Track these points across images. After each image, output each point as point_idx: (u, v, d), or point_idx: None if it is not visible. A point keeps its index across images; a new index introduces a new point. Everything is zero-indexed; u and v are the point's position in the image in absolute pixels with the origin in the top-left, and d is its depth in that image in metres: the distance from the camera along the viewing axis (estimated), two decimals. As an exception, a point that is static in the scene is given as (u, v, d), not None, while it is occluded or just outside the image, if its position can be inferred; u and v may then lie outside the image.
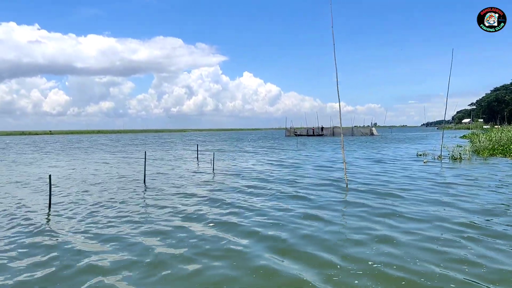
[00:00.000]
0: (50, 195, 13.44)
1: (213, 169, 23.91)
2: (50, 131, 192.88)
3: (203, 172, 23.07)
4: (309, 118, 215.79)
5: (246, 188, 16.83)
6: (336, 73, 17.39)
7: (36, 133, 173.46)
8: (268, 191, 16.09)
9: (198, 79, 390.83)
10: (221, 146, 58.17)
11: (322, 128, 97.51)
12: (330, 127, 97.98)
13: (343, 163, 18.19)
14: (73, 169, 25.98)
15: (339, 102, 18.06)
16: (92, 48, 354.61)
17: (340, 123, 18.31)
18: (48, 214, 12.50)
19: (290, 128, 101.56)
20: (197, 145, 35.70)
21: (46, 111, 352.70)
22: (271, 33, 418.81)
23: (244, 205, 13.33)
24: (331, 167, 24.77)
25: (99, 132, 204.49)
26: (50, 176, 13.63)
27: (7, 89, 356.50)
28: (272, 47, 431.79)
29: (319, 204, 13.20)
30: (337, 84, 17.62)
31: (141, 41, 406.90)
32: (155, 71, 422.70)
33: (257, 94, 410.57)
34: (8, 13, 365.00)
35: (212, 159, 25.74)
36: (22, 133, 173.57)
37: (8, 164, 30.20)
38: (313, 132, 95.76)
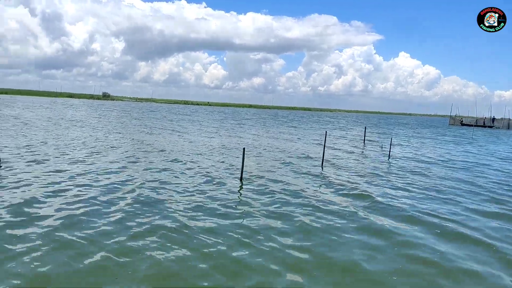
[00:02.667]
0: (242, 168, 13.04)
1: (389, 155, 21.58)
2: (208, 103, 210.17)
3: (374, 156, 20.94)
4: (470, 106, 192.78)
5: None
6: None
7: (197, 103, 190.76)
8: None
9: (349, 58, 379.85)
10: (388, 129, 54.58)
11: (493, 119, 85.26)
12: (503, 119, 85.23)
13: None
14: (256, 141, 26.41)
15: None
16: (250, 25, 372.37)
17: None
18: (241, 187, 12.10)
19: (455, 116, 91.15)
20: (365, 127, 33.48)
21: (205, 83, 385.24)
22: (432, 11, 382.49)
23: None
24: None
25: (250, 106, 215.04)
26: (244, 149, 13.16)
27: (175, 61, 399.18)
28: (433, 26, 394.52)
29: None
30: None
31: (296, 18, 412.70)
32: (306, 49, 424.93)
33: (412, 76, 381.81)
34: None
35: (389, 145, 23.28)
36: (185, 103, 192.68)
37: (198, 133, 32.38)
38: (484, 123, 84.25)
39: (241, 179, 12.90)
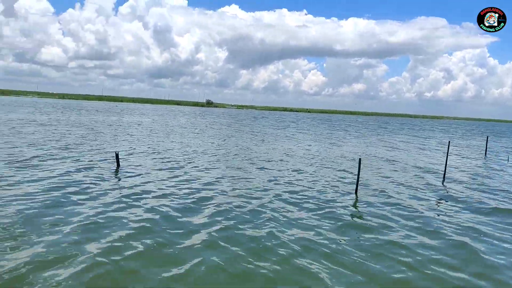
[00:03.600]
0: (358, 179, 12.20)
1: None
2: (307, 109, 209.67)
3: (503, 170, 18.39)
4: None
5: None
6: None
7: (297, 110, 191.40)
8: None
9: (459, 62, 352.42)
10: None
11: None
12: None
13: None
14: (371, 150, 25.28)
15: None
16: (351, 30, 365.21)
17: None
18: (356, 201, 11.32)
19: None
20: (487, 136, 30.03)
21: (304, 90, 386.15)
22: None
23: None
24: None
25: (351, 113, 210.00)
26: (360, 160, 12.31)
27: (275, 69, 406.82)
28: None
29: None
30: None
31: (401, 22, 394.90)
32: (411, 53, 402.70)
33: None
34: (281, 0, 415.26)
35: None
36: (284, 109, 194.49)
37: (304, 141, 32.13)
38: None
39: (356, 191, 12.10)
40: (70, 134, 24.56)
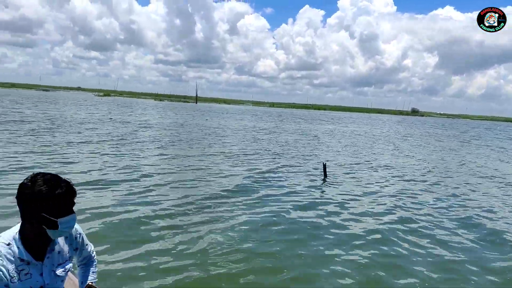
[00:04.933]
0: None
1: None
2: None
3: None
4: None
5: None
6: None
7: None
8: None
9: None
10: None
11: None
12: None
13: None
14: None
15: None
16: None
17: None
18: None
19: None
20: None
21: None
22: None
23: None
24: None
25: None
26: None
27: (495, 74, 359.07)
28: None
29: None
30: None
31: None
32: None
33: None
34: None
35: None
36: (506, 120, 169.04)
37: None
38: None
39: None
40: (297, 142, 25.99)
